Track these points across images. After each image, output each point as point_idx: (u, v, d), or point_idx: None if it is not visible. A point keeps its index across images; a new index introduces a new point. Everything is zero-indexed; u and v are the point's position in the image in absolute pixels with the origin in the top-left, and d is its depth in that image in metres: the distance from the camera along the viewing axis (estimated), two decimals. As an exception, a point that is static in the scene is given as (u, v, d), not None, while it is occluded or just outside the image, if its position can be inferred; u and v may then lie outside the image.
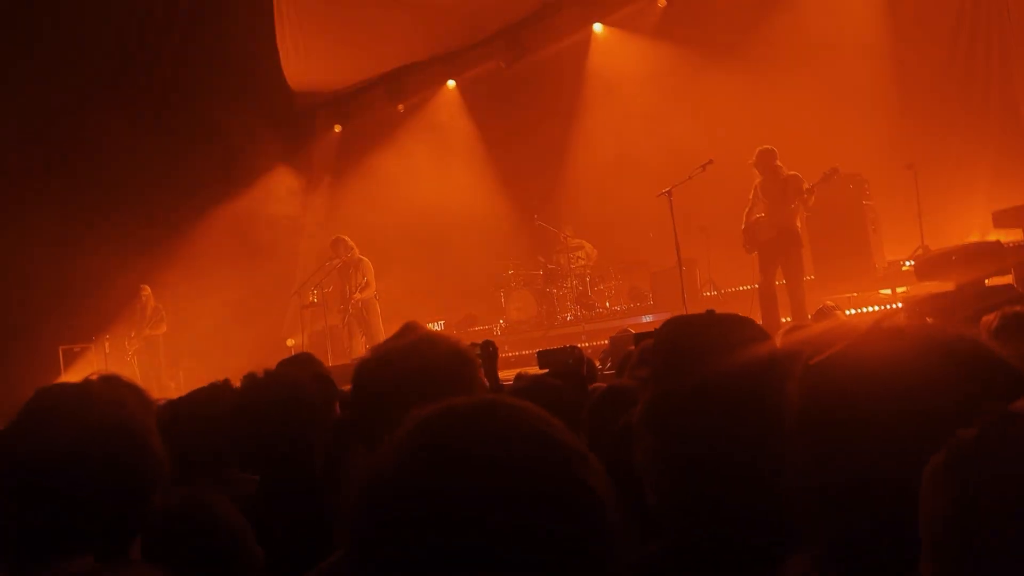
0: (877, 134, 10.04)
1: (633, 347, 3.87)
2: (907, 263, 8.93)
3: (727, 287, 10.66)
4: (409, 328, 1.78)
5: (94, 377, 1.85)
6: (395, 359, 1.68)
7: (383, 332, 10.69)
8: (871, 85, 10.36)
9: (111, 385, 1.74)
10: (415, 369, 1.63)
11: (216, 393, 2.66)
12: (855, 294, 9.24)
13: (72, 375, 11.75)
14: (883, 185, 9.52)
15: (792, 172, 8.12)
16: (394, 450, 0.82)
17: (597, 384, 2.88)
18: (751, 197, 8.37)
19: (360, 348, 10.71)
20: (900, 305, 7.62)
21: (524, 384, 2.51)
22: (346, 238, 10.83)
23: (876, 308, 8.73)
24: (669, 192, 8.27)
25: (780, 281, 8.34)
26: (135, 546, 1.44)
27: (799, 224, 8.23)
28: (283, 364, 3.77)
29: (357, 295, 10.58)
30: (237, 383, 2.62)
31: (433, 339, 1.72)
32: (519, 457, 0.80)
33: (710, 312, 1.58)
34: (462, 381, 1.65)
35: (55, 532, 1.34)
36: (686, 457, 1.35)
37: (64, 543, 1.34)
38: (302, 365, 3.71)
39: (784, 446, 0.96)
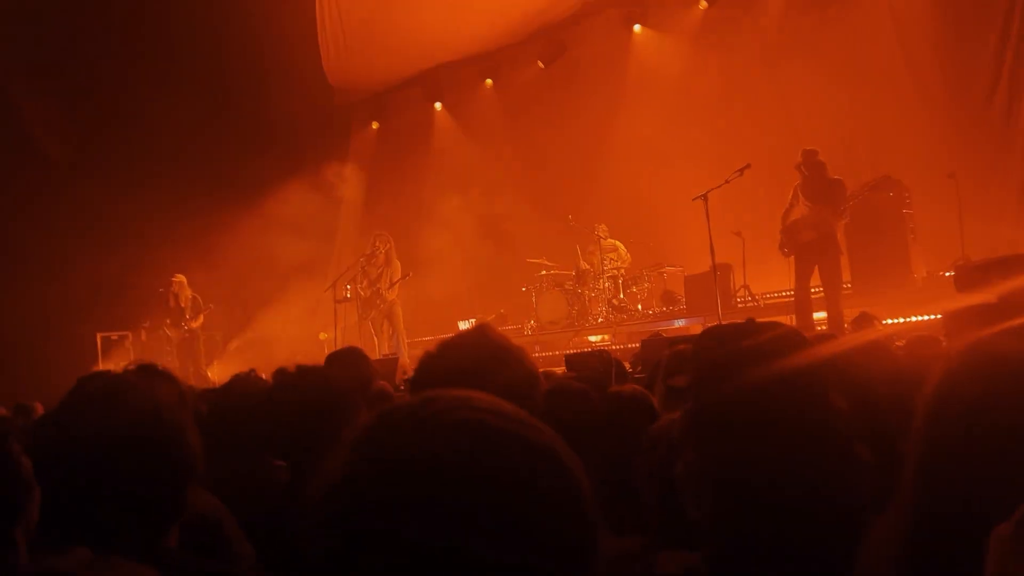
0: (919, 141, 9.88)
1: (666, 352, 3.84)
2: (947, 274, 8.77)
3: (761, 293, 10.55)
4: (479, 326, 1.83)
5: (131, 367, 1.88)
6: (457, 352, 1.71)
7: (405, 331, 11.03)
8: (915, 92, 10.20)
9: (146, 375, 1.76)
10: (474, 360, 1.66)
11: (243, 384, 2.70)
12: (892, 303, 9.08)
13: (109, 363, 11.93)
14: (924, 194, 9.35)
15: (837, 177, 8.07)
16: (342, 462, 0.78)
17: (619, 388, 2.85)
18: (790, 197, 8.29)
19: (385, 345, 10.81)
20: (939, 316, 7.49)
21: (550, 387, 2.48)
22: (389, 235, 10.96)
23: (914, 319, 8.58)
24: (705, 196, 8.21)
25: (816, 288, 8.24)
26: (173, 535, 1.44)
27: (838, 230, 8.14)
28: (329, 360, 3.84)
29: (390, 295, 10.77)
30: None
31: (495, 338, 1.75)
32: (465, 458, 0.73)
33: (751, 320, 1.52)
34: (514, 373, 1.67)
35: (85, 519, 1.35)
36: (726, 472, 1.31)
37: (94, 530, 1.35)
38: (350, 362, 3.78)
39: (917, 453, 0.80)
